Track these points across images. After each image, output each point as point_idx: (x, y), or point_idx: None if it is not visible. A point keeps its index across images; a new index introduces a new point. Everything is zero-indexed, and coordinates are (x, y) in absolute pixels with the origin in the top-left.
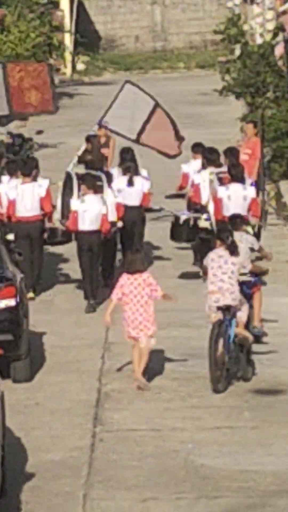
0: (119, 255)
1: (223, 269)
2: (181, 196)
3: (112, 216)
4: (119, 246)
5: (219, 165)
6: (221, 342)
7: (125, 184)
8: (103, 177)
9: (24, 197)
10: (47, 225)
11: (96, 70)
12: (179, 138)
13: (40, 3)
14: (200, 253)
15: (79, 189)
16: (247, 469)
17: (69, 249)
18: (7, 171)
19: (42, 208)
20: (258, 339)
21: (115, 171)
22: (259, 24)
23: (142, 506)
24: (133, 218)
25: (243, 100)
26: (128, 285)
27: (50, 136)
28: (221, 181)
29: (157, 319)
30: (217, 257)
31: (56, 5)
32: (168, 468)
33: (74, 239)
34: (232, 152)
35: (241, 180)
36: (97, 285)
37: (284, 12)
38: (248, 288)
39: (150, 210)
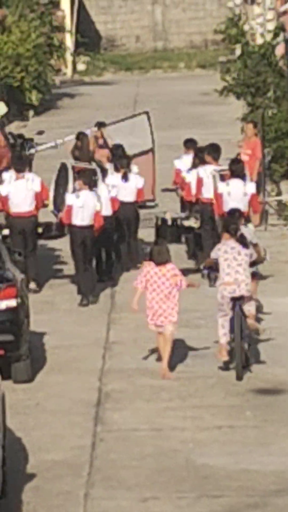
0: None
1: (238, 261)
2: (175, 190)
3: (107, 211)
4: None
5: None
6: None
7: (119, 179)
8: (98, 171)
9: (18, 192)
10: (42, 219)
11: (97, 70)
12: (153, 190)
13: (41, 3)
14: (190, 249)
15: (74, 182)
16: (247, 469)
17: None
18: (79, 178)
19: (37, 202)
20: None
21: (107, 167)
22: (259, 24)
23: (142, 506)
24: (128, 213)
25: (243, 100)
26: (152, 275)
27: (51, 136)
28: (223, 178)
29: None
30: (229, 249)
31: (57, 5)
32: (169, 468)
33: (68, 233)
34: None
35: (242, 176)
36: (92, 279)
37: (284, 12)
38: None
39: (144, 206)
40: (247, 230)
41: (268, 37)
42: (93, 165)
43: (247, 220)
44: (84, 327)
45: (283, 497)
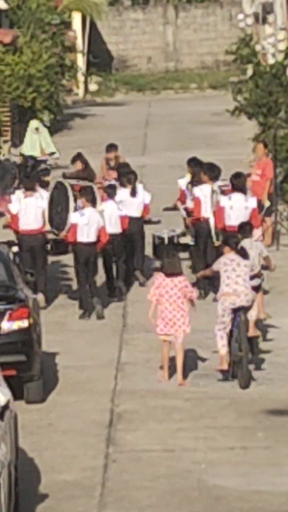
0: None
1: (237, 272)
2: (175, 209)
3: (117, 228)
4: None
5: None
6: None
7: (127, 195)
8: (95, 189)
9: (27, 210)
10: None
11: (109, 90)
12: None
13: (52, 23)
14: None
15: (75, 201)
16: (259, 490)
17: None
18: (81, 196)
19: (45, 220)
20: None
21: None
22: (271, 44)
23: None
24: (135, 229)
25: (255, 120)
26: (164, 286)
27: (63, 157)
28: (224, 194)
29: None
30: (229, 261)
31: (68, 26)
32: (181, 489)
33: (71, 251)
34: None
35: (243, 190)
36: (97, 294)
37: None
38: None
39: (149, 222)
40: (256, 244)
41: (280, 57)
42: (90, 183)
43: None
44: (96, 348)
45: None
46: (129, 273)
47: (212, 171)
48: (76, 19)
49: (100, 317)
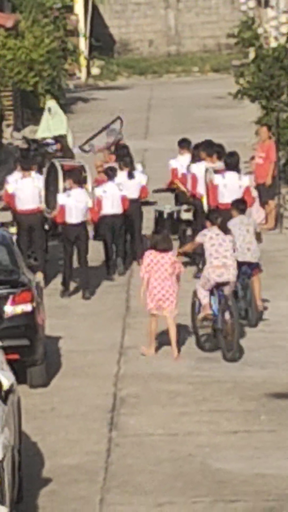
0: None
1: (224, 246)
2: (169, 190)
3: (118, 209)
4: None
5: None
6: (227, 314)
7: (125, 177)
8: (87, 167)
9: (24, 190)
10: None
11: (111, 74)
12: None
13: (54, 8)
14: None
15: (64, 181)
16: (264, 473)
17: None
18: (69, 177)
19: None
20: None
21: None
22: (273, 27)
23: (158, 511)
24: (132, 210)
25: (257, 104)
26: (156, 262)
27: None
28: (217, 173)
29: None
30: (215, 235)
31: (70, 10)
32: (184, 473)
33: (61, 231)
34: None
35: (237, 169)
36: (87, 274)
37: None
38: (250, 268)
39: (146, 203)
40: (248, 220)
41: (282, 40)
42: (77, 162)
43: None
44: (99, 332)
45: None
46: (126, 253)
47: (210, 148)
48: (78, 3)
49: (87, 298)
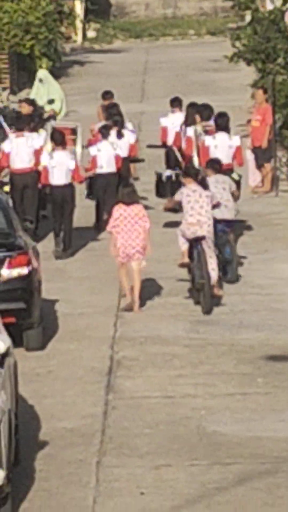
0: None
1: (200, 203)
2: (161, 146)
3: (112, 168)
4: None
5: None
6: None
7: (114, 136)
8: (79, 129)
9: (19, 150)
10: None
11: (107, 37)
12: None
13: None
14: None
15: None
16: (259, 436)
17: (81, 219)
18: (51, 139)
19: (36, 159)
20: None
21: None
22: None
23: (155, 473)
24: (122, 168)
25: (253, 67)
26: (123, 216)
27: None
28: (208, 133)
29: (170, 286)
30: (191, 192)
31: None
32: (181, 435)
33: (48, 193)
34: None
35: (227, 130)
36: (70, 235)
37: None
38: (227, 227)
39: (135, 160)
40: (224, 179)
41: (278, 3)
42: (74, 124)
43: (231, 171)
44: (95, 295)
45: None
46: None
47: (205, 110)
48: None
49: (58, 257)
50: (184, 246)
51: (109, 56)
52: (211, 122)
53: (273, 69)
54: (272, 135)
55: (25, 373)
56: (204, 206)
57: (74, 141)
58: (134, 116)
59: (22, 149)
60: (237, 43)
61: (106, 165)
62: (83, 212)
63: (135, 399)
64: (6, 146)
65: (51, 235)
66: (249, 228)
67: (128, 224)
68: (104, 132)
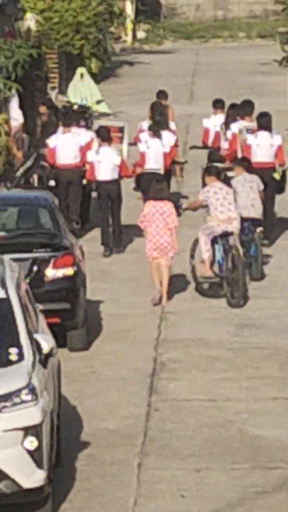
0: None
1: (228, 200)
2: (203, 148)
3: (159, 165)
4: None
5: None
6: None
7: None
8: (125, 128)
9: (64, 146)
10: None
11: (157, 38)
12: None
13: None
14: None
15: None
16: None
17: (126, 219)
18: (98, 136)
19: (82, 156)
20: None
21: (146, 124)
22: None
23: (196, 476)
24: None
25: None
26: (154, 212)
27: (110, 104)
28: (251, 133)
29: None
30: (219, 190)
31: None
32: (223, 438)
33: (94, 188)
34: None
35: (269, 129)
36: (120, 231)
37: None
38: (253, 225)
39: (176, 162)
40: (251, 178)
41: None
42: (121, 123)
43: (273, 169)
44: (140, 297)
45: None
46: None
47: (248, 107)
48: None
49: (107, 255)
50: (207, 254)
51: (158, 57)
52: (254, 123)
53: None
54: None
55: (69, 373)
56: (232, 202)
57: (120, 139)
58: (182, 118)
59: (68, 145)
60: (287, 47)
61: (154, 162)
62: (128, 212)
63: (178, 401)
64: (51, 142)
65: (96, 235)
66: None
67: (157, 220)
68: (155, 130)
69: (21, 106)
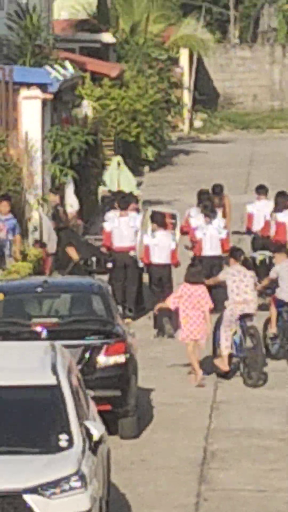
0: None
1: (245, 282)
2: (245, 233)
3: (217, 251)
4: None
5: None
6: (249, 342)
7: (203, 221)
8: (177, 215)
9: (121, 229)
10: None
11: (214, 127)
12: None
13: (160, 59)
14: None
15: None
16: None
17: None
18: (152, 221)
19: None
20: None
21: (194, 210)
22: None
23: None
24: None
25: None
26: (188, 295)
27: (166, 192)
28: None
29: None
30: (236, 272)
31: (176, 62)
32: None
33: (146, 271)
34: None
35: None
36: (169, 313)
37: None
38: None
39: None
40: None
41: None
42: (173, 211)
43: None
44: (191, 385)
45: None
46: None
47: None
48: (184, 55)
49: (170, 336)
50: (226, 351)
51: (214, 146)
52: None
53: None
54: None
55: (119, 461)
56: (249, 285)
57: (173, 225)
58: (238, 207)
59: (124, 228)
60: None
61: (210, 248)
62: None
63: (228, 491)
64: (108, 225)
65: (148, 323)
66: None
67: (190, 304)
68: (210, 215)
69: (77, 193)
